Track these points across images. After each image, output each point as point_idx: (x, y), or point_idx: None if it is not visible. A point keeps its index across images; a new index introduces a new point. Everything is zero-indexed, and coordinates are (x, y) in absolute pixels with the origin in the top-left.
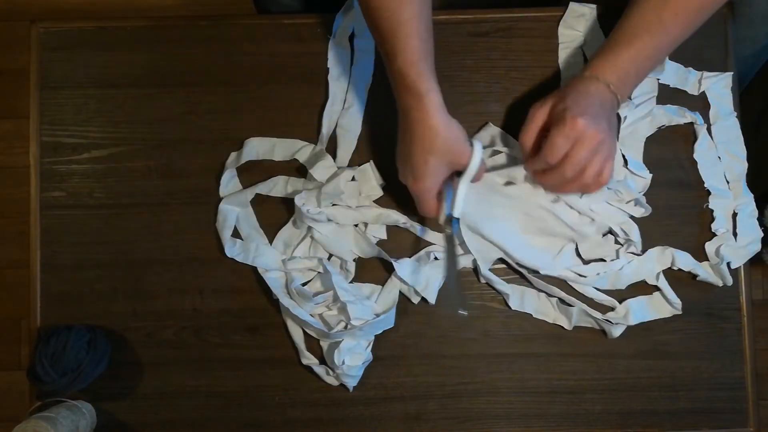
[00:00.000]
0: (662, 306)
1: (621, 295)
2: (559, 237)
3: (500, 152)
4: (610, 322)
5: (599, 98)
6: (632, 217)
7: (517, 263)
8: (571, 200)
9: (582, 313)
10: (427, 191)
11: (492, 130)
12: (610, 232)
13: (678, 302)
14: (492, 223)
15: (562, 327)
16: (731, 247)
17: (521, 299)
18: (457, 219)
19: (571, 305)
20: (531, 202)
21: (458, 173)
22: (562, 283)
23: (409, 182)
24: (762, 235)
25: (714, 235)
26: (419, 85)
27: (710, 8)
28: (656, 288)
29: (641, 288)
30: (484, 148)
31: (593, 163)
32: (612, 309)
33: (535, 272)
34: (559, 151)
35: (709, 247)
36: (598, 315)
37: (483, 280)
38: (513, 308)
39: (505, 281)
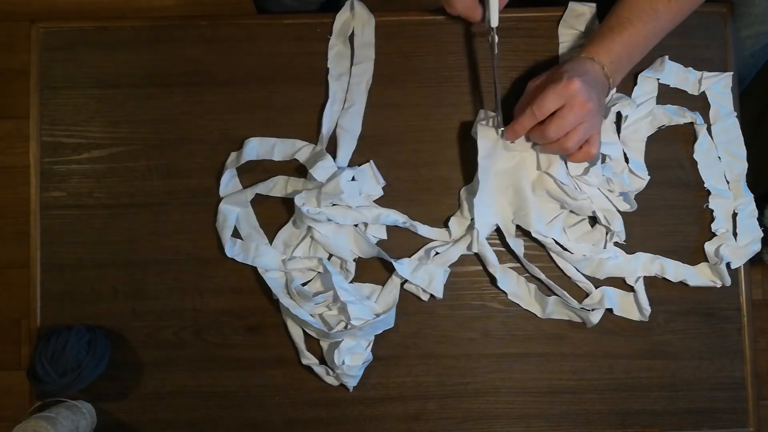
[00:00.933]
0: (632, 308)
1: (597, 284)
2: (555, 203)
3: None
4: (587, 309)
5: (594, 75)
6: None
7: (513, 222)
8: (560, 176)
9: (558, 303)
10: (463, 9)
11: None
12: (595, 220)
13: (647, 310)
14: (503, 176)
15: (562, 327)
16: (731, 247)
17: (503, 277)
18: (494, 28)
19: (549, 294)
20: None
21: None
22: (545, 264)
23: (446, 7)
24: (762, 235)
25: (714, 235)
26: None
27: None
28: (633, 289)
29: (619, 284)
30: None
31: (578, 131)
32: (587, 296)
33: (527, 235)
34: (549, 105)
35: (709, 247)
36: (575, 304)
37: (475, 249)
38: (499, 284)
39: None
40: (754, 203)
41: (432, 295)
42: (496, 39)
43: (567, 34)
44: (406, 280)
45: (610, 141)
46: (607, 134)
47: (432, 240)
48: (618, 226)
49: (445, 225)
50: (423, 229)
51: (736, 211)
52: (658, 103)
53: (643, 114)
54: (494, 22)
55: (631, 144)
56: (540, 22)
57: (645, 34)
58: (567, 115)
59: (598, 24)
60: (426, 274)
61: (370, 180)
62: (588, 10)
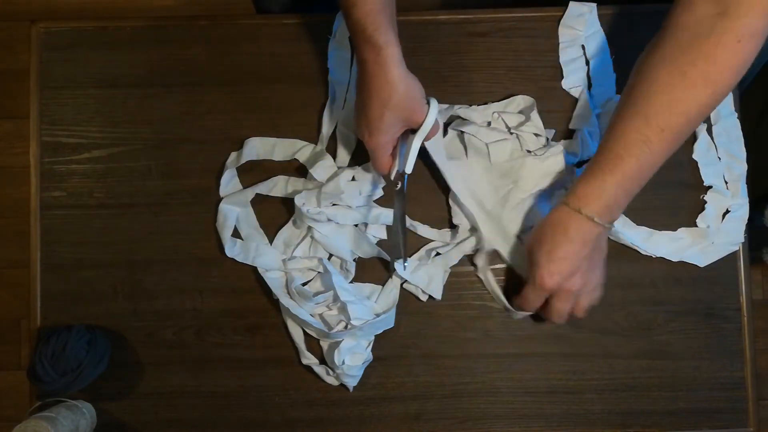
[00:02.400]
0: None
1: None
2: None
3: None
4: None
5: (580, 239)
6: None
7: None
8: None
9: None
10: (381, 146)
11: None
12: None
13: None
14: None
15: (562, 327)
16: (702, 246)
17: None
18: (407, 175)
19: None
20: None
21: (413, 130)
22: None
23: (365, 137)
24: (742, 240)
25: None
26: (377, 38)
27: (698, 121)
28: None
29: None
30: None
31: (580, 302)
32: None
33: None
34: (534, 304)
35: (685, 233)
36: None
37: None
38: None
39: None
40: (748, 207)
41: (431, 296)
42: (405, 185)
43: (567, 33)
44: (405, 280)
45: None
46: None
47: (432, 240)
48: None
49: (450, 225)
50: (423, 230)
51: (729, 210)
52: None
53: None
54: (409, 168)
55: None
56: (540, 21)
57: (638, 169)
58: (557, 304)
59: (598, 23)
60: (425, 275)
61: (370, 180)
62: (588, 9)
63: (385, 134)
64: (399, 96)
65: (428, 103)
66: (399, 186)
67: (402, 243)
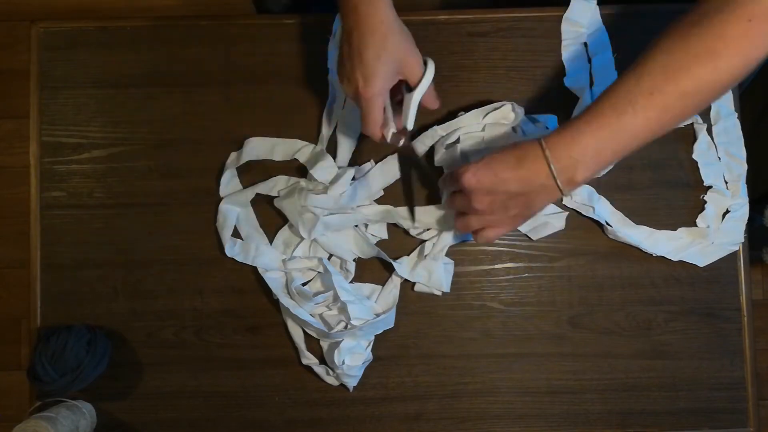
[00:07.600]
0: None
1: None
2: None
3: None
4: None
5: (523, 177)
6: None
7: None
8: None
9: None
10: (376, 96)
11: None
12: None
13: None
14: None
15: (562, 327)
16: (702, 246)
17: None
18: (410, 132)
19: None
20: None
21: (408, 88)
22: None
23: (359, 85)
24: (742, 240)
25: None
26: None
27: (693, 100)
28: None
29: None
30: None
31: (469, 219)
32: None
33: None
34: (444, 187)
35: (685, 233)
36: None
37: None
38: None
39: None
40: (748, 207)
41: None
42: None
43: (569, 31)
44: (414, 282)
45: None
46: None
47: (431, 239)
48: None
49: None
50: (413, 232)
51: (729, 210)
52: None
53: None
54: (410, 124)
55: None
56: (541, 21)
57: (618, 128)
58: (457, 201)
59: (600, 21)
60: (425, 270)
61: (371, 180)
62: (590, 6)
63: (382, 80)
64: (395, 37)
65: (425, 62)
66: (402, 142)
67: (409, 204)
